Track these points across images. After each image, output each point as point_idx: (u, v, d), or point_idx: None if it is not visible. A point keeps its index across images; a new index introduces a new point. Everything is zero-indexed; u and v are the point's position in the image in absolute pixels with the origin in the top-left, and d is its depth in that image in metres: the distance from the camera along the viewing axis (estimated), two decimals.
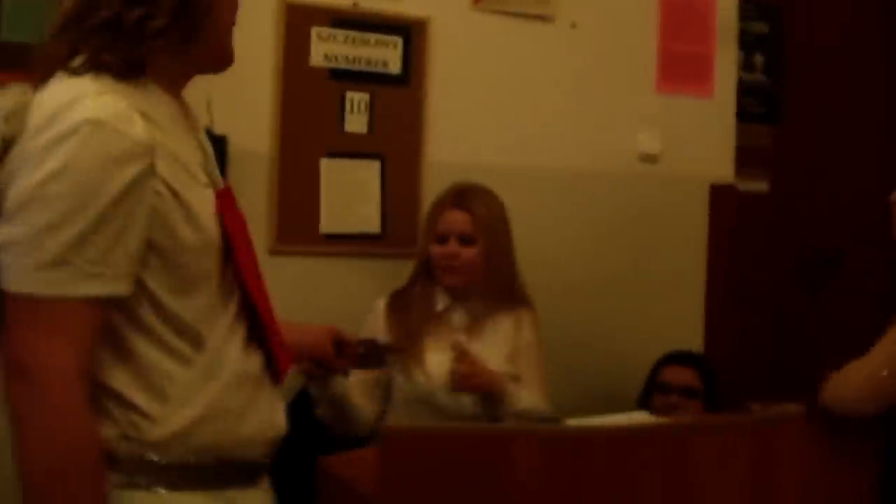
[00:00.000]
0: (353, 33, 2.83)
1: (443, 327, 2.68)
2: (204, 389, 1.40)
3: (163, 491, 1.37)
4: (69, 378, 1.29)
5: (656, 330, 3.22)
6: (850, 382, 2.01)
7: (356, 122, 2.86)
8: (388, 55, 2.88)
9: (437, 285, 2.70)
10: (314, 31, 2.79)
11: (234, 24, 1.57)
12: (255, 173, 2.76)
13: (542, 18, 3.07)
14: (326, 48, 2.81)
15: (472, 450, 1.66)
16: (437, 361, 2.58)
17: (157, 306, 1.38)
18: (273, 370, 1.52)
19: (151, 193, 1.34)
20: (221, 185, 1.51)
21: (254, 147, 2.75)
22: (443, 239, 2.66)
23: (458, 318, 2.69)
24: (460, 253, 2.64)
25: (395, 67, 2.89)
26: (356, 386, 2.51)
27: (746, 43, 3.39)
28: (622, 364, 3.12)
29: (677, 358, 3.11)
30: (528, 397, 2.61)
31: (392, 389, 2.62)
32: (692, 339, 3.28)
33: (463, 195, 2.70)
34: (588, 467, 1.68)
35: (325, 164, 2.83)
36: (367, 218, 2.87)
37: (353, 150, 2.86)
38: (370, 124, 2.87)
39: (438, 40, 2.93)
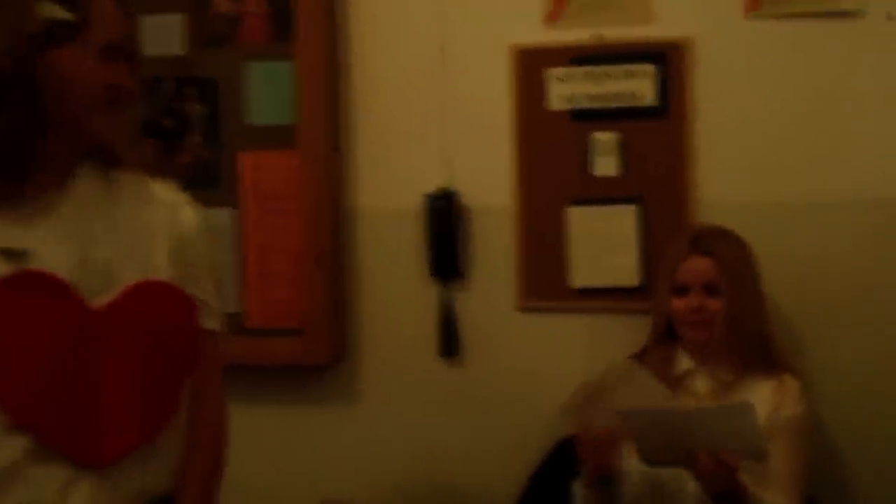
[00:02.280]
0: (594, 69, 2.58)
1: (683, 393, 2.34)
2: None
3: None
4: None
5: None
6: None
7: (605, 165, 2.59)
8: (638, 86, 2.56)
9: (678, 345, 2.37)
10: (550, 73, 2.60)
11: (102, 98, 1.56)
12: (497, 228, 2.67)
13: (845, 15, 2.48)
14: (564, 89, 2.59)
15: None
16: None
17: None
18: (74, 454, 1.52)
19: None
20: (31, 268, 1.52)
21: (495, 201, 2.67)
22: (683, 290, 2.33)
23: (702, 382, 2.34)
24: (706, 305, 2.30)
25: (648, 99, 2.56)
26: None
27: None
28: None
29: None
30: (770, 500, 2.17)
31: None
32: None
33: (702, 238, 2.36)
34: None
35: (573, 213, 2.61)
36: (624, 269, 2.59)
37: (603, 195, 2.60)
38: (622, 165, 2.59)
39: (702, 61, 2.53)
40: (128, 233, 1.62)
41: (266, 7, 2.70)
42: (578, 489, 2.28)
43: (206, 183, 2.73)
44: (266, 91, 2.71)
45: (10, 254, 1.49)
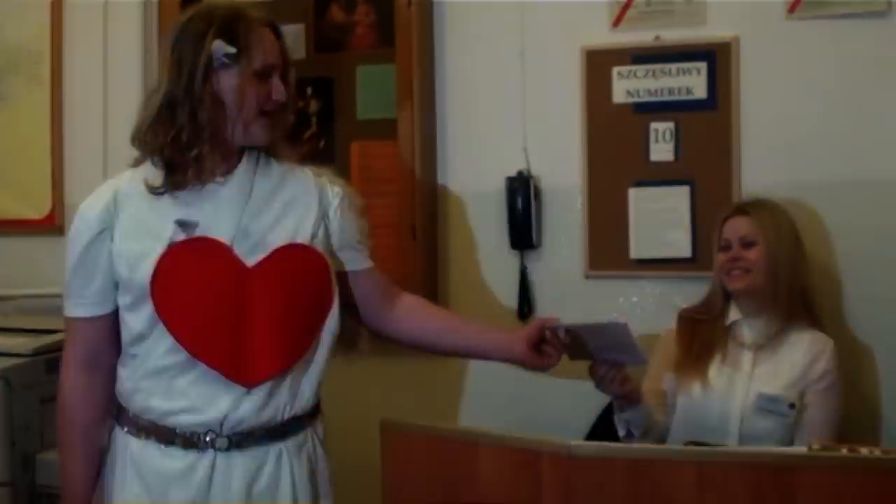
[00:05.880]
0: (653, 66, 2.96)
1: (731, 342, 2.67)
2: (133, 374, 1.99)
3: (133, 438, 2.00)
4: (67, 365, 2.03)
5: None
6: None
7: (662, 151, 2.97)
8: (691, 82, 2.93)
9: (731, 298, 2.69)
10: (615, 70, 3.00)
11: (257, 111, 1.97)
12: (567, 206, 3.08)
13: (876, 14, 2.79)
14: (628, 85, 2.99)
15: (447, 450, 1.89)
16: (715, 375, 2.61)
17: (122, 318, 2.00)
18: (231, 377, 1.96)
19: (107, 248, 1.96)
20: (207, 234, 1.96)
21: (567, 183, 3.07)
22: (726, 246, 2.67)
23: (748, 333, 2.66)
24: (742, 255, 2.63)
25: (699, 92, 2.93)
26: (651, 398, 2.63)
27: None
28: None
29: None
30: None
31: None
32: None
33: (745, 204, 2.73)
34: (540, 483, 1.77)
35: (633, 193, 3.00)
36: (677, 242, 2.95)
37: (660, 177, 2.97)
38: (676, 151, 2.95)
39: (747, 58, 2.89)
40: (278, 207, 2.03)
41: (373, 18, 3.19)
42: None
43: None
44: (372, 90, 3.20)
45: (185, 224, 1.94)
